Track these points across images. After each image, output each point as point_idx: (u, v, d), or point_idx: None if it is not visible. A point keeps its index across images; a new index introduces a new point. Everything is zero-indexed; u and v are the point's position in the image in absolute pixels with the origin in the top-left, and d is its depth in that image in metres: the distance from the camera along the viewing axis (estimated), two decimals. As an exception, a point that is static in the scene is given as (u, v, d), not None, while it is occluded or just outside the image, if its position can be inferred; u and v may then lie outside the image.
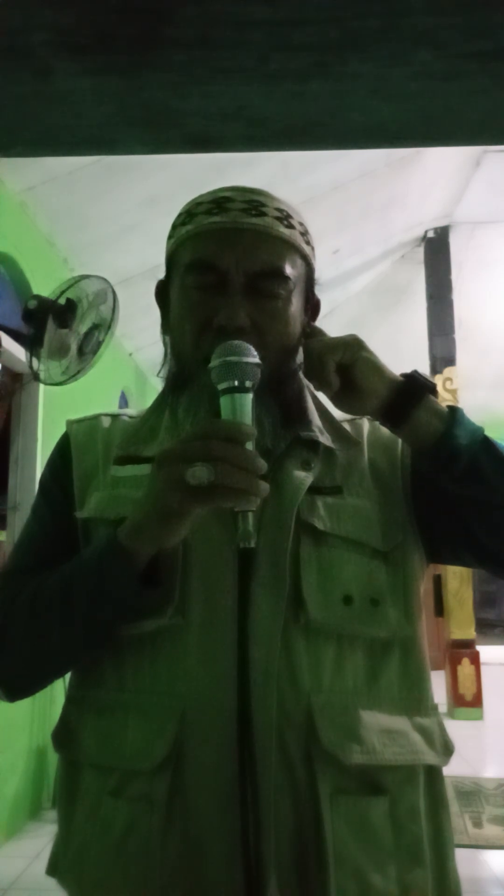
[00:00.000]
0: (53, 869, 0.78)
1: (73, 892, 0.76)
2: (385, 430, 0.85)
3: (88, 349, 3.07)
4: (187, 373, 0.79)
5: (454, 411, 0.77)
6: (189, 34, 1.35)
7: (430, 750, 0.77)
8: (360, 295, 6.43)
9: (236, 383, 0.67)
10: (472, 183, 5.28)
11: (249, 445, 0.64)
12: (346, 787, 0.71)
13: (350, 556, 0.76)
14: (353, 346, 0.77)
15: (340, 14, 1.31)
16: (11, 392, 3.46)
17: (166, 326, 0.85)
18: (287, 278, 0.79)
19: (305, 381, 0.84)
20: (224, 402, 0.67)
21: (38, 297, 2.97)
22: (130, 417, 0.90)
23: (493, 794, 3.67)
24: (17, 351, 3.10)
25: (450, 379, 5.81)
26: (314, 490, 0.78)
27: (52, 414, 3.49)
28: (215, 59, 1.41)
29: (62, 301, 2.93)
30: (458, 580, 5.51)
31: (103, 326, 3.04)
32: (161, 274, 0.87)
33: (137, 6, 1.30)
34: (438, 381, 5.81)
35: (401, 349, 6.79)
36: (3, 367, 3.09)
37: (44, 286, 3.14)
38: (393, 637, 0.77)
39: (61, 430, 0.91)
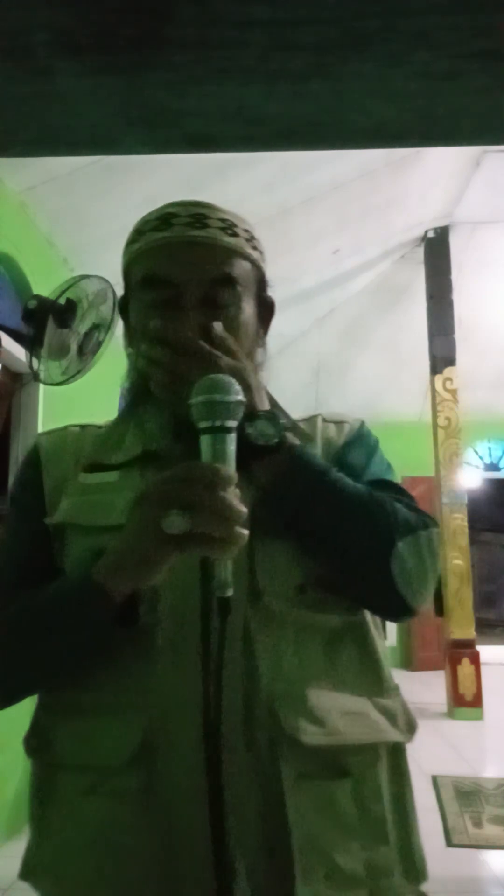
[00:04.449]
0: (27, 873, 0.78)
1: (49, 893, 0.76)
2: (332, 431, 0.90)
3: (88, 349, 3.07)
4: (145, 374, 0.82)
5: (289, 467, 0.76)
6: (189, 34, 1.35)
7: (393, 728, 0.79)
8: (360, 295, 6.43)
9: (218, 423, 0.65)
10: (472, 183, 5.28)
11: (231, 490, 0.62)
12: (310, 771, 0.73)
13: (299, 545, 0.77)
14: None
15: (340, 14, 1.31)
16: (11, 392, 3.46)
17: (129, 340, 0.88)
18: (235, 285, 0.82)
19: (262, 383, 0.86)
20: (205, 442, 0.65)
21: (38, 297, 2.97)
22: (98, 427, 0.92)
23: (493, 794, 3.67)
24: (17, 351, 3.09)
25: (450, 379, 5.81)
26: None
27: (52, 414, 3.49)
28: (215, 59, 1.41)
29: (62, 301, 2.93)
30: (458, 580, 5.51)
31: (103, 326, 3.04)
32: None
33: (137, 6, 1.30)
34: (438, 381, 5.81)
35: (401, 349, 6.82)
36: (2, 367, 3.08)
37: (44, 286, 3.14)
38: (345, 623, 0.79)
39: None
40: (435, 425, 5.79)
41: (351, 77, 1.46)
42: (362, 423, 0.94)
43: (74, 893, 0.74)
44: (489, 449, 8.08)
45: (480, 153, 4.88)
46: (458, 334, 5.86)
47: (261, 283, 0.88)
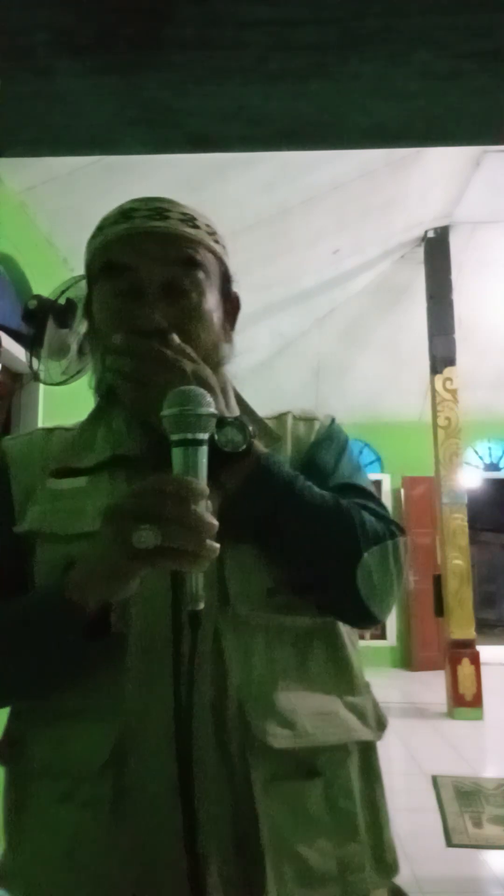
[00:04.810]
0: (3, 882, 0.78)
1: None
2: (301, 429, 0.89)
3: (88, 349, 3.06)
4: (110, 370, 0.80)
5: (255, 475, 0.75)
6: (189, 34, 1.35)
7: (364, 726, 0.79)
8: (360, 295, 6.44)
9: (190, 436, 0.64)
10: (472, 183, 5.28)
11: (202, 503, 0.62)
12: (280, 773, 0.73)
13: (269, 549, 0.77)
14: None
15: (340, 14, 1.31)
16: (11, 392, 3.46)
17: (94, 342, 0.86)
18: (196, 271, 0.81)
19: (229, 377, 0.85)
20: (176, 454, 0.64)
21: (38, 297, 2.97)
22: (67, 430, 0.90)
23: (493, 794, 3.67)
24: (17, 351, 3.09)
25: (450, 379, 5.81)
26: None
27: (52, 414, 3.48)
28: (215, 59, 1.41)
29: (62, 301, 2.93)
30: (458, 580, 5.51)
31: (103, 326, 3.04)
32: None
33: (137, 6, 1.30)
34: (438, 381, 5.81)
35: (401, 349, 6.82)
36: (2, 366, 3.09)
37: (44, 286, 3.14)
38: (314, 624, 0.79)
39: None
40: (435, 425, 5.79)
41: (351, 77, 1.46)
42: (333, 421, 0.92)
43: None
44: (489, 449, 8.08)
45: (480, 153, 4.88)
46: (458, 334, 5.86)
47: (225, 277, 0.87)
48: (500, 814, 3.38)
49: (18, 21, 1.31)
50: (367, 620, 0.80)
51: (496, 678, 5.94)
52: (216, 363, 0.82)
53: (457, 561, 5.51)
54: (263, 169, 3.63)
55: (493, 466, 8.11)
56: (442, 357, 5.84)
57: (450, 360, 5.82)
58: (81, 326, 3.00)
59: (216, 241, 0.86)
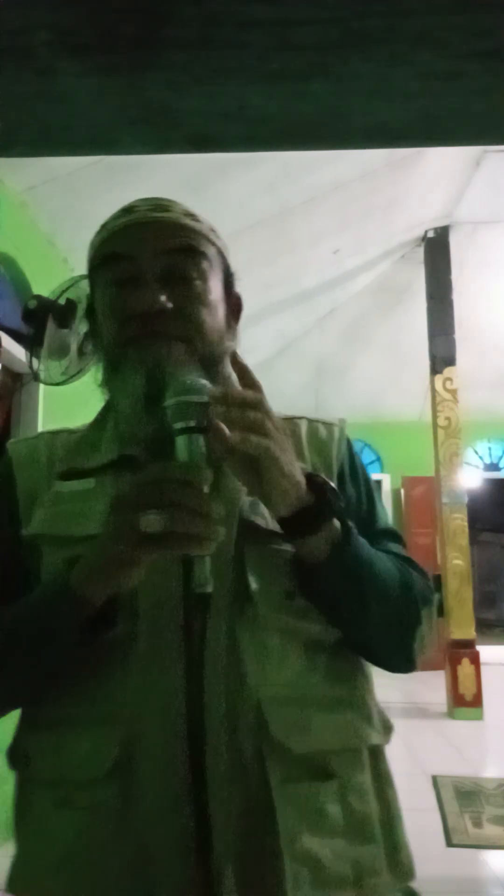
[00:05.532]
0: (11, 886, 0.78)
1: None
2: (321, 431, 0.88)
3: (88, 349, 3.06)
4: (116, 362, 0.80)
5: (344, 544, 0.74)
6: (189, 34, 1.35)
7: (372, 731, 0.80)
8: (361, 295, 6.44)
9: (193, 423, 0.65)
10: (473, 183, 5.28)
11: (206, 488, 0.63)
12: (295, 775, 0.73)
13: (290, 552, 0.76)
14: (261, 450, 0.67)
15: (341, 14, 1.31)
16: (11, 392, 3.46)
17: (97, 342, 0.86)
18: (200, 259, 0.80)
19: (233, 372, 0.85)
20: (179, 442, 0.65)
21: (38, 297, 2.97)
22: (72, 432, 0.90)
23: (493, 794, 3.67)
24: (17, 351, 3.09)
25: (450, 379, 5.81)
26: None
27: (52, 414, 3.49)
28: (215, 59, 1.41)
29: (62, 301, 2.93)
30: (458, 580, 5.51)
31: (103, 326, 3.04)
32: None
33: (137, 6, 1.30)
34: (438, 381, 5.81)
35: (401, 349, 6.82)
36: (2, 366, 3.09)
37: (44, 286, 3.14)
38: (327, 630, 0.79)
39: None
40: (435, 425, 5.79)
41: (351, 77, 1.46)
42: (352, 453, 0.91)
43: None
44: (489, 449, 8.08)
45: (480, 153, 4.88)
46: (458, 334, 5.86)
47: (227, 273, 0.86)
48: (500, 814, 3.38)
49: (19, 21, 1.31)
50: (408, 671, 0.83)
51: (496, 678, 5.94)
52: (220, 354, 0.82)
53: (457, 561, 5.51)
54: (264, 169, 3.63)
55: (493, 466, 8.10)
56: (442, 357, 5.84)
57: (450, 360, 5.82)
58: (82, 326, 3.00)
59: (218, 238, 0.85)
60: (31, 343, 2.94)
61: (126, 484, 0.75)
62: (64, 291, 2.93)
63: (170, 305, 0.77)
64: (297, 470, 0.69)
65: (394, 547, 0.85)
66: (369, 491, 0.89)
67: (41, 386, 3.29)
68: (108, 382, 0.83)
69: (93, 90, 1.48)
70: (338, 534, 0.73)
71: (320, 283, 5.82)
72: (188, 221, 0.82)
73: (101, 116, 1.57)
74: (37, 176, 3.11)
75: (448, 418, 5.76)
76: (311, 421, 0.90)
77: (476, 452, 8.01)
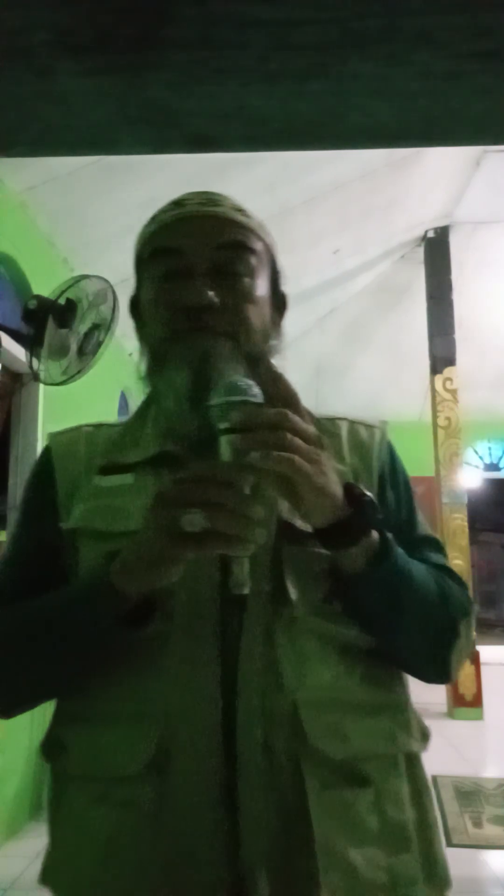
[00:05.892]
0: (45, 878, 0.78)
1: None
2: (362, 433, 0.87)
3: (88, 349, 3.07)
4: (161, 356, 0.79)
5: (382, 556, 0.73)
6: (189, 34, 1.34)
7: (409, 737, 0.79)
8: (360, 295, 6.44)
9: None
10: (472, 183, 5.28)
11: (247, 490, 0.63)
12: (331, 781, 0.72)
13: (329, 556, 0.75)
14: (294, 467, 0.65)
15: (340, 14, 1.31)
16: (11, 392, 3.46)
17: (142, 335, 0.85)
18: (248, 254, 0.80)
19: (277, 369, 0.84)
20: (223, 442, 0.65)
21: (38, 297, 2.97)
22: (112, 426, 0.89)
23: (493, 794, 3.67)
24: (17, 351, 3.09)
25: (450, 379, 5.81)
26: None
27: (52, 414, 3.49)
28: (215, 59, 1.41)
29: (62, 301, 2.93)
30: (459, 580, 5.51)
31: (103, 326, 3.04)
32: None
33: (137, 6, 1.30)
34: (438, 381, 5.81)
35: (401, 349, 6.82)
36: (3, 367, 3.08)
37: (44, 286, 3.13)
38: (361, 637, 0.78)
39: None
40: (435, 425, 5.79)
41: (351, 77, 1.46)
42: (394, 456, 0.89)
43: None
44: (489, 449, 8.08)
45: (480, 153, 4.88)
46: (458, 334, 5.86)
47: (275, 270, 0.85)
48: (500, 814, 3.38)
49: (18, 21, 1.31)
50: (443, 682, 0.83)
51: (496, 678, 5.94)
52: (265, 351, 0.81)
53: (457, 561, 5.51)
54: (264, 169, 3.63)
55: (493, 466, 8.10)
56: (442, 357, 5.84)
57: (450, 360, 5.82)
58: (82, 326, 3.00)
59: (267, 234, 0.84)
60: (31, 343, 2.94)
61: (166, 480, 0.75)
62: (64, 291, 2.93)
63: (217, 301, 0.76)
64: (331, 482, 0.68)
65: (433, 556, 0.84)
66: (409, 497, 0.87)
67: (41, 386, 3.28)
68: (151, 376, 0.82)
69: (92, 90, 1.48)
70: (375, 546, 0.72)
71: (320, 283, 5.82)
72: (239, 217, 0.81)
73: (101, 116, 1.57)
74: (37, 176, 3.11)
75: (448, 418, 5.76)
76: (352, 422, 0.89)
77: (476, 452, 8.01)
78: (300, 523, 0.74)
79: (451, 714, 5.25)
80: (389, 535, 0.74)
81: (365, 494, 0.71)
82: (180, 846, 0.69)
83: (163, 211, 0.83)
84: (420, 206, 5.50)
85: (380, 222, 5.45)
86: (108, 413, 4.57)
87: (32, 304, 2.94)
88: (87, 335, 3.04)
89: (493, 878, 2.79)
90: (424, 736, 0.82)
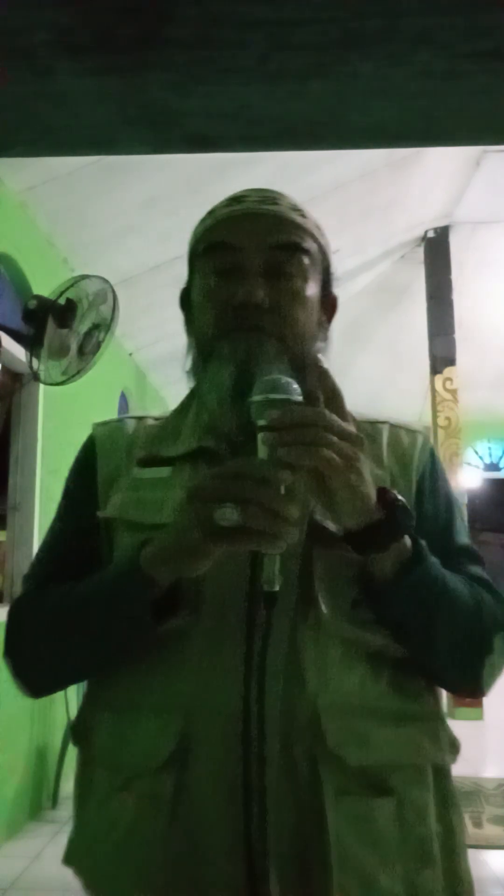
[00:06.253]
0: (69, 858, 0.80)
1: (85, 881, 0.78)
2: (403, 438, 0.86)
3: (88, 349, 3.07)
4: (207, 351, 0.80)
5: (413, 564, 0.72)
6: (189, 34, 1.34)
7: (437, 749, 0.77)
8: (361, 295, 6.43)
9: None
10: (472, 183, 5.28)
11: (283, 488, 0.63)
12: (350, 787, 0.71)
13: (360, 561, 0.74)
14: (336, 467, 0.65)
15: (340, 14, 1.31)
16: (11, 392, 3.46)
17: (191, 327, 0.86)
18: (303, 255, 0.80)
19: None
20: (261, 439, 0.65)
21: (38, 297, 2.97)
22: (155, 419, 0.90)
23: (493, 794, 3.67)
24: (17, 351, 3.10)
25: (450, 379, 5.81)
26: None
27: (52, 414, 3.48)
28: (215, 59, 1.41)
29: (62, 301, 2.94)
30: (458, 580, 5.51)
31: (103, 326, 3.05)
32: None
33: (137, 6, 1.30)
34: (438, 381, 5.81)
35: (401, 349, 6.81)
36: (3, 366, 3.08)
37: (44, 286, 3.14)
38: (390, 644, 0.77)
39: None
40: (435, 425, 5.79)
41: (351, 77, 1.46)
42: (435, 463, 0.88)
43: (105, 885, 0.75)
44: (489, 449, 8.08)
45: (480, 153, 4.88)
46: (458, 334, 5.86)
47: (327, 272, 0.86)
48: (500, 814, 3.38)
49: (18, 21, 1.31)
50: (475, 696, 0.81)
51: (496, 678, 5.93)
52: (311, 353, 0.81)
53: (457, 561, 5.51)
54: (263, 169, 3.63)
55: (493, 466, 8.10)
56: (442, 357, 5.84)
57: (450, 360, 5.82)
58: (82, 326, 3.00)
59: (322, 235, 0.85)
60: (31, 343, 2.94)
61: (204, 475, 0.75)
62: (64, 291, 2.94)
63: (267, 302, 0.76)
64: (365, 483, 0.67)
65: (471, 568, 0.82)
66: (449, 506, 0.86)
67: (41, 386, 3.29)
68: (196, 371, 0.83)
69: (92, 90, 1.48)
70: (407, 553, 0.72)
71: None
72: (296, 217, 0.81)
73: (101, 116, 1.57)
74: (36, 176, 3.11)
75: (448, 418, 5.76)
76: (393, 426, 0.88)
77: (476, 452, 8.01)
78: (333, 527, 0.74)
79: (451, 714, 5.25)
80: (422, 543, 0.73)
81: (398, 499, 0.71)
82: (197, 840, 0.70)
83: (221, 206, 0.83)
84: (420, 206, 5.50)
85: (380, 222, 5.45)
86: (107, 413, 4.56)
87: (32, 304, 2.94)
88: (87, 335, 3.05)
89: (493, 878, 2.79)
90: (454, 748, 0.80)
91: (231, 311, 0.77)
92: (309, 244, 0.81)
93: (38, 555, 0.88)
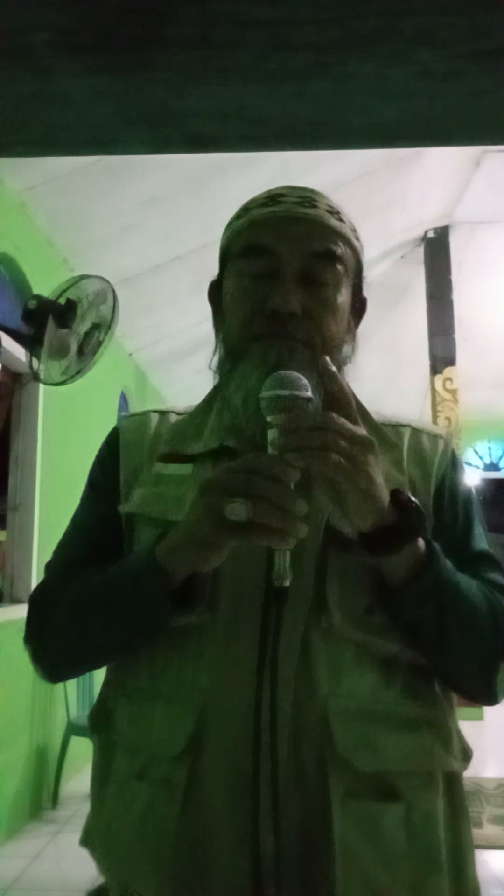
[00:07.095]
0: (85, 841, 0.81)
1: (101, 863, 0.79)
2: (425, 442, 0.86)
3: (88, 349, 3.07)
4: (237, 352, 0.80)
5: (426, 567, 0.72)
6: (189, 34, 1.35)
7: (448, 756, 0.77)
8: (360, 295, 6.43)
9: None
10: (472, 183, 5.28)
11: (292, 484, 0.63)
12: (358, 791, 0.71)
13: (375, 565, 0.74)
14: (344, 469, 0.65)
15: (340, 14, 1.31)
16: (11, 392, 3.46)
17: (219, 324, 0.86)
18: (338, 265, 0.80)
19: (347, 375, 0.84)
20: (271, 436, 0.66)
21: (38, 297, 2.97)
22: (178, 414, 0.90)
23: (493, 794, 3.67)
24: (17, 351, 3.10)
25: (450, 379, 5.81)
26: None
27: (52, 414, 3.48)
28: (215, 59, 1.41)
29: (62, 301, 2.94)
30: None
31: (103, 326, 3.05)
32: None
33: (137, 6, 1.30)
34: (438, 381, 5.81)
35: (401, 349, 6.81)
36: (3, 366, 3.09)
37: (44, 286, 3.14)
38: (402, 650, 0.76)
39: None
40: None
41: (351, 77, 1.46)
42: (456, 467, 0.88)
43: (119, 868, 0.76)
44: (489, 449, 8.08)
45: (480, 153, 4.88)
46: (458, 334, 5.86)
47: (359, 276, 0.86)
48: (500, 814, 3.38)
49: (18, 21, 1.31)
50: (488, 703, 0.81)
51: (496, 678, 5.93)
52: (340, 361, 0.82)
53: (457, 561, 5.52)
54: (263, 169, 3.63)
55: (493, 466, 8.11)
56: (442, 357, 5.84)
57: (450, 360, 5.82)
58: (82, 326, 3.01)
59: (357, 239, 0.84)
60: (31, 343, 2.94)
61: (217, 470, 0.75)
62: (64, 291, 2.94)
63: (300, 310, 0.76)
64: (376, 486, 0.67)
65: (489, 574, 0.81)
66: (468, 511, 0.86)
67: (41, 386, 3.29)
68: (223, 369, 0.83)
69: (92, 90, 1.48)
70: (421, 555, 0.71)
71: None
72: (333, 222, 0.81)
73: (101, 116, 1.57)
74: (36, 176, 3.11)
75: (448, 418, 5.76)
76: (415, 430, 0.88)
77: (476, 452, 8.01)
78: (347, 529, 0.73)
79: (451, 714, 5.25)
80: (436, 545, 0.73)
81: (411, 501, 0.70)
82: (207, 828, 0.71)
83: (258, 204, 0.82)
84: (420, 206, 5.50)
85: (379, 222, 5.45)
86: (107, 413, 4.57)
87: (32, 304, 2.94)
88: (87, 335, 3.05)
89: (493, 878, 2.80)
90: (466, 755, 0.80)
91: (264, 317, 0.77)
92: (343, 250, 0.81)
93: (61, 541, 0.89)
